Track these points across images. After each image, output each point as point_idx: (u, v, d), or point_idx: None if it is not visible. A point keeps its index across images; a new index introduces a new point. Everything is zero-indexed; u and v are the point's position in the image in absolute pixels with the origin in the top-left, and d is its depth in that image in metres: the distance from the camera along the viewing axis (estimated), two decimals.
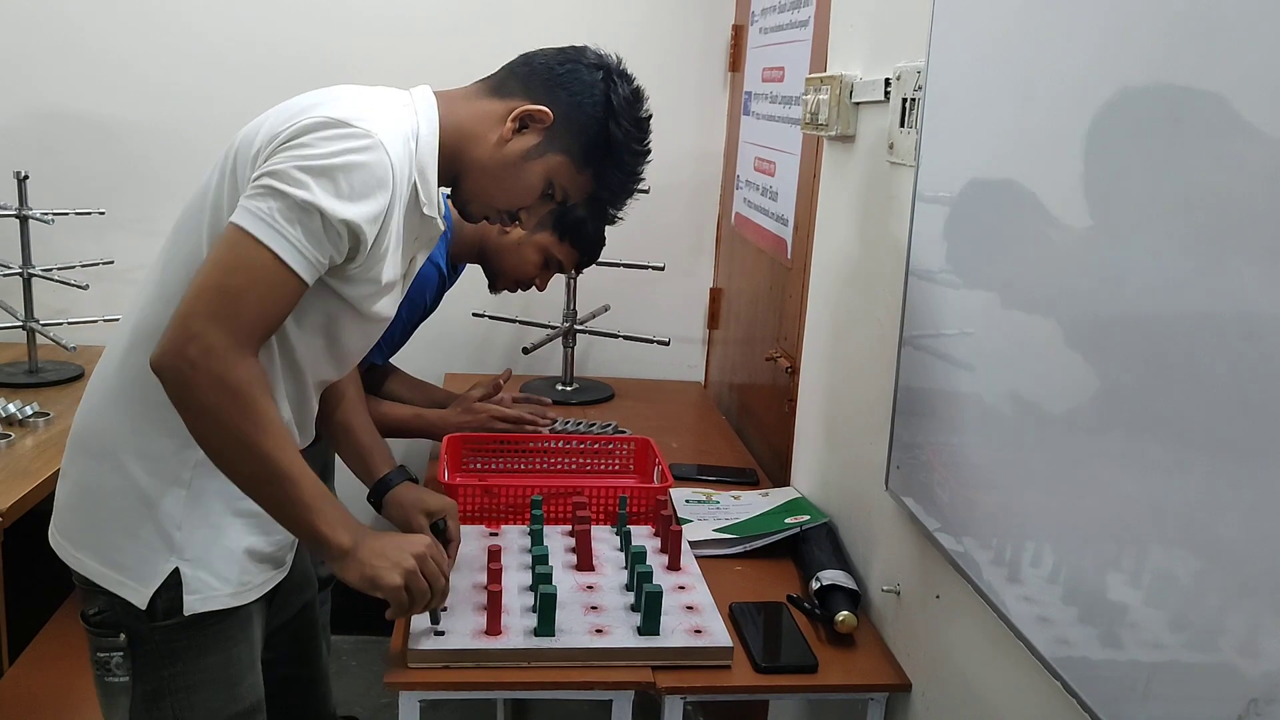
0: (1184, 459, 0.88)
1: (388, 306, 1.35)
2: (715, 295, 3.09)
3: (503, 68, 1.40)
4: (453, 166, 1.36)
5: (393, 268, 1.30)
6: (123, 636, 1.31)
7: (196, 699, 1.34)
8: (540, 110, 1.33)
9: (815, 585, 1.66)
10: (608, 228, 1.69)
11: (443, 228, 1.40)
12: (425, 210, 1.31)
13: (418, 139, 1.29)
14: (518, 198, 1.38)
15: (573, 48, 1.40)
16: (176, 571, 1.29)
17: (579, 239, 2.11)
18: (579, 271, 2.10)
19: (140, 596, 1.29)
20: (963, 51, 1.36)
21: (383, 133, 1.20)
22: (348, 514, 1.28)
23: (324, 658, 1.65)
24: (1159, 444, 0.92)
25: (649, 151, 1.42)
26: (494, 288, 2.18)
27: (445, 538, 1.57)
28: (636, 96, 1.39)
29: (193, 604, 1.30)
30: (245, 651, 1.38)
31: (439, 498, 1.59)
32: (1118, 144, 0.99)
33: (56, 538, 1.37)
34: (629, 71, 1.40)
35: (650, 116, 1.41)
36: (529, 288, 2.19)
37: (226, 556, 1.33)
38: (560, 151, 1.35)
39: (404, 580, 1.28)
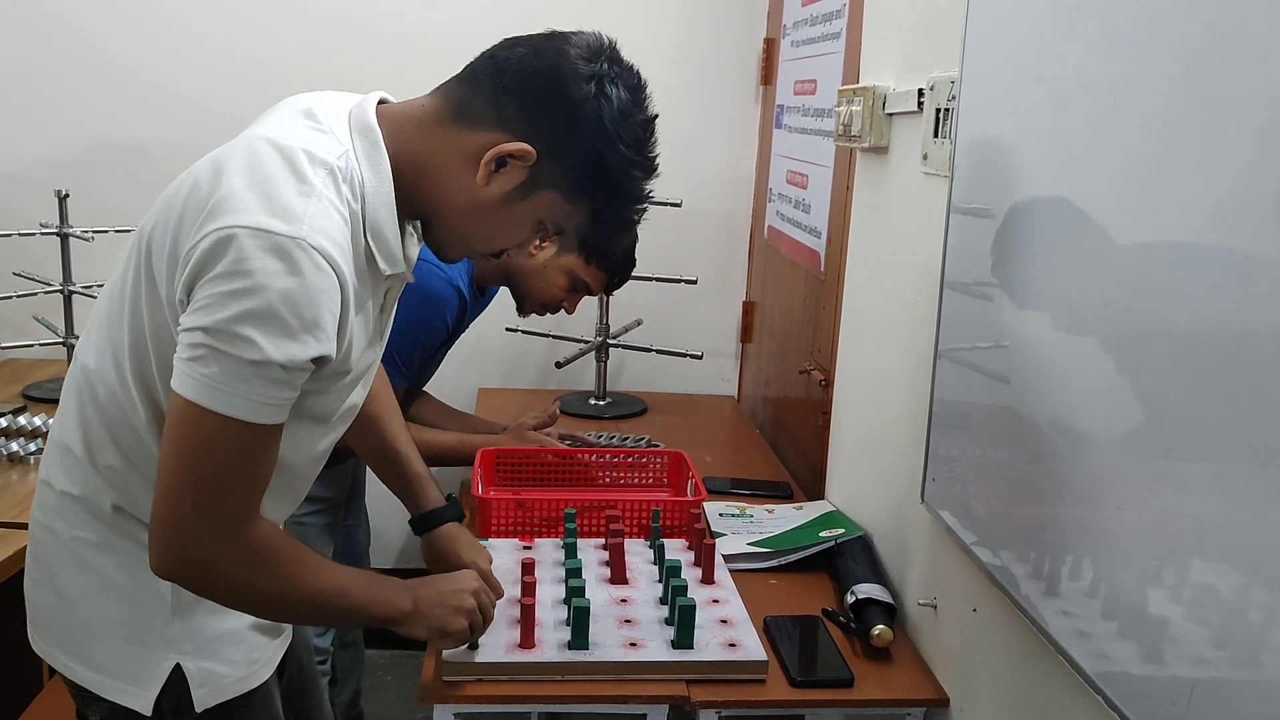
0: (1225, 472, 0.87)
1: (368, 358, 1.21)
2: (748, 308, 3.09)
3: (464, 75, 1.14)
4: (415, 206, 1.15)
5: (360, 342, 1.14)
6: None
7: None
8: (520, 149, 1.08)
9: (850, 599, 1.65)
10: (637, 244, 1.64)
11: (411, 279, 1.20)
12: (387, 272, 1.12)
13: (363, 196, 1.08)
14: (502, 241, 1.19)
15: (552, 39, 1.13)
16: (178, 667, 1.18)
17: (606, 262, 2.05)
18: (609, 293, 2.03)
19: (143, 702, 1.17)
20: (997, 60, 1.36)
21: (313, 225, 1.00)
22: (391, 581, 1.27)
23: (326, 705, 1.56)
24: (1199, 456, 0.90)
25: (655, 168, 1.16)
26: (522, 310, 2.13)
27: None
28: (635, 99, 1.13)
29: (203, 698, 1.19)
30: None
31: (475, 551, 1.52)
32: (1155, 152, 0.98)
33: (41, 644, 1.24)
34: (624, 59, 1.15)
35: (653, 118, 1.15)
36: (557, 310, 2.12)
37: (229, 638, 1.22)
38: (549, 187, 1.12)
39: (469, 622, 1.31)
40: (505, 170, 1.10)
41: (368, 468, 1.62)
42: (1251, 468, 0.83)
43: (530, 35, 1.14)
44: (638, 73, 1.15)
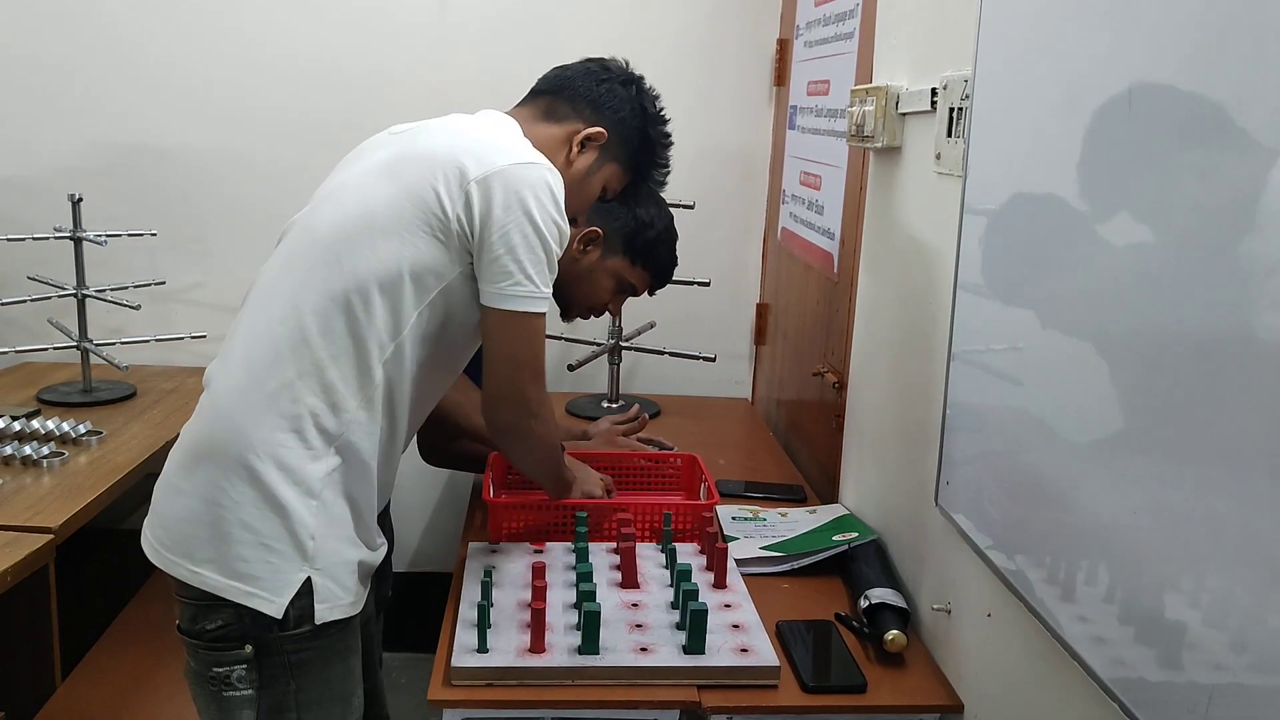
0: (1243, 476, 0.85)
1: None
2: (762, 310, 3.07)
3: (542, 91, 1.61)
4: None
5: None
6: (249, 648, 1.34)
7: (318, 711, 1.39)
8: (598, 131, 1.55)
9: (864, 603, 1.63)
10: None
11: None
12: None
13: None
14: (581, 206, 1.61)
15: (596, 63, 1.61)
16: (308, 581, 1.35)
17: (651, 262, 2.07)
18: (653, 292, 2.11)
19: (275, 607, 1.33)
20: (1010, 59, 1.34)
21: (540, 158, 1.43)
22: (568, 464, 1.81)
23: (380, 671, 1.71)
24: (1216, 460, 0.89)
25: (672, 141, 1.67)
26: (567, 316, 2.12)
27: None
28: (656, 97, 1.65)
29: (323, 613, 1.36)
30: (357, 663, 1.46)
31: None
32: (1169, 153, 0.97)
33: (167, 555, 1.37)
34: (638, 74, 1.64)
35: (662, 108, 1.66)
36: (602, 313, 2.16)
37: (347, 568, 1.40)
38: (612, 161, 1.59)
39: (602, 492, 1.88)
40: (586, 149, 1.57)
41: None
42: (1270, 471, 0.82)
43: (575, 64, 1.63)
44: (651, 84, 1.66)
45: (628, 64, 1.64)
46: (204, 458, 1.37)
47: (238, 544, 1.33)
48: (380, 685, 1.70)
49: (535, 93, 1.61)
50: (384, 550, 1.51)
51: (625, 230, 1.97)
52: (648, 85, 1.64)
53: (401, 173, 1.41)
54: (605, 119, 1.57)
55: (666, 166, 1.67)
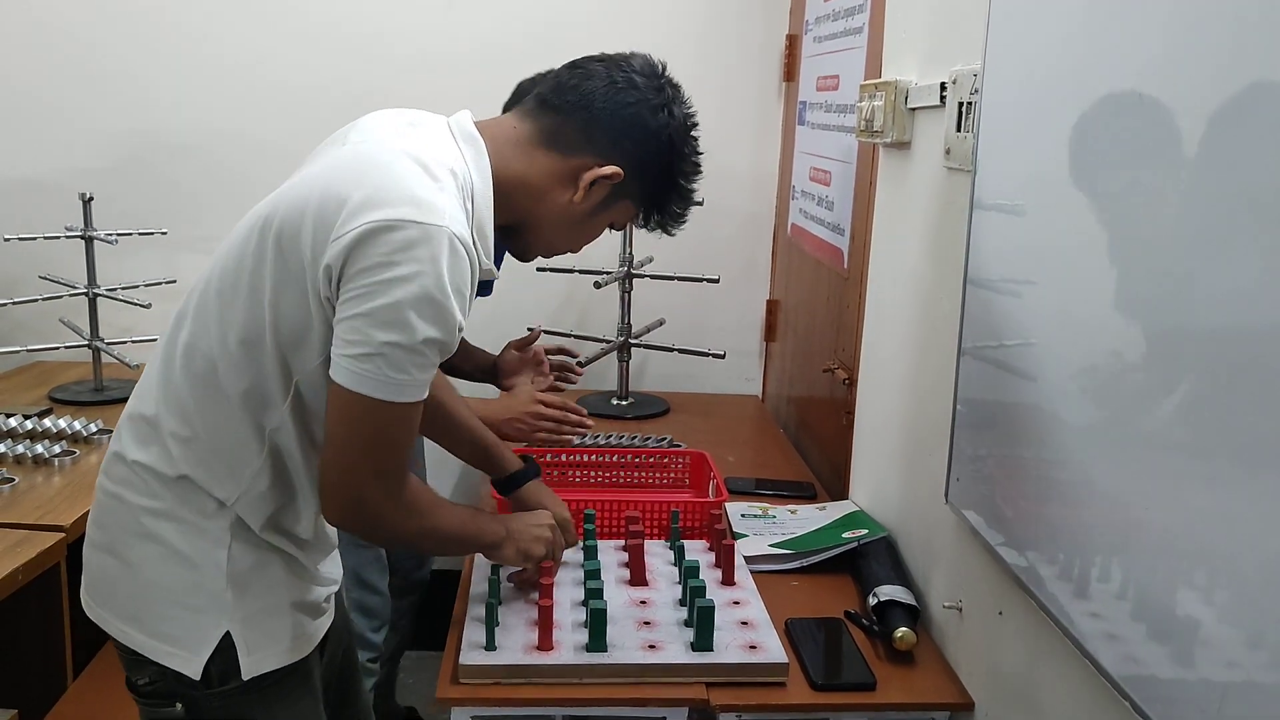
0: (1256, 471, 0.84)
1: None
2: (772, 307, 3.06)
3: (550, 105, 1.29)
4: (507, 215, 1.28)
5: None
6: (179, 706, 1.26)
7: None
8: (614, 173, 1.28)
9: (873, 601, 1.62)
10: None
11: (497, 275, 1.30)
12: (483, 267, 1.22)
13: (473, 197, 1.21)
14: (581, 242, 1.39)
15: (623, 77, 1.28)
16: (228, 635, 1.24)
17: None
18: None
19: (193, 667, 1.23)
20: (1020, 53, 1.33)
21: (451, 216, 1.13)
22: (487, 515, 1.51)
23: (365, 693, 1.61)
24: (1230, 456, 0.87)
25: (701, 168, 1.37)
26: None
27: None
28: (688, 113, 1.34)
29: (250, 666, 1.24)
30: (310, 707, 1.35)
31: (556, 503, 1.66)
32: (1181, 147, 0.95)
33: (95, 609, 1.30)
34: (675, 81, 1.33)
35: (697, 124, 1.36)
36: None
37: (278, 612, 1.28)
38: (626, 198, 1.33)
39: (547, 550, 1.54)
40: (595, 187, 1.29)
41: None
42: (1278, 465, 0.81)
43: (595, 63, 1.31)
44: (686, 97, 1.35)
45: (660, 68, 1.32)
46: (105, 517, 1.29)
47: (153, 602, 1.24)
48: (365, 706, 1.60)
49: (542, 103, 1.30)
50: (335, 581, 1.41)
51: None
52: (684, 104, 1.33)
53: (276, 220, 1.17)
54: (624, 157, 1.28)
55: (689, 203, 1.39)
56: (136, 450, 1.26)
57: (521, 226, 1.32)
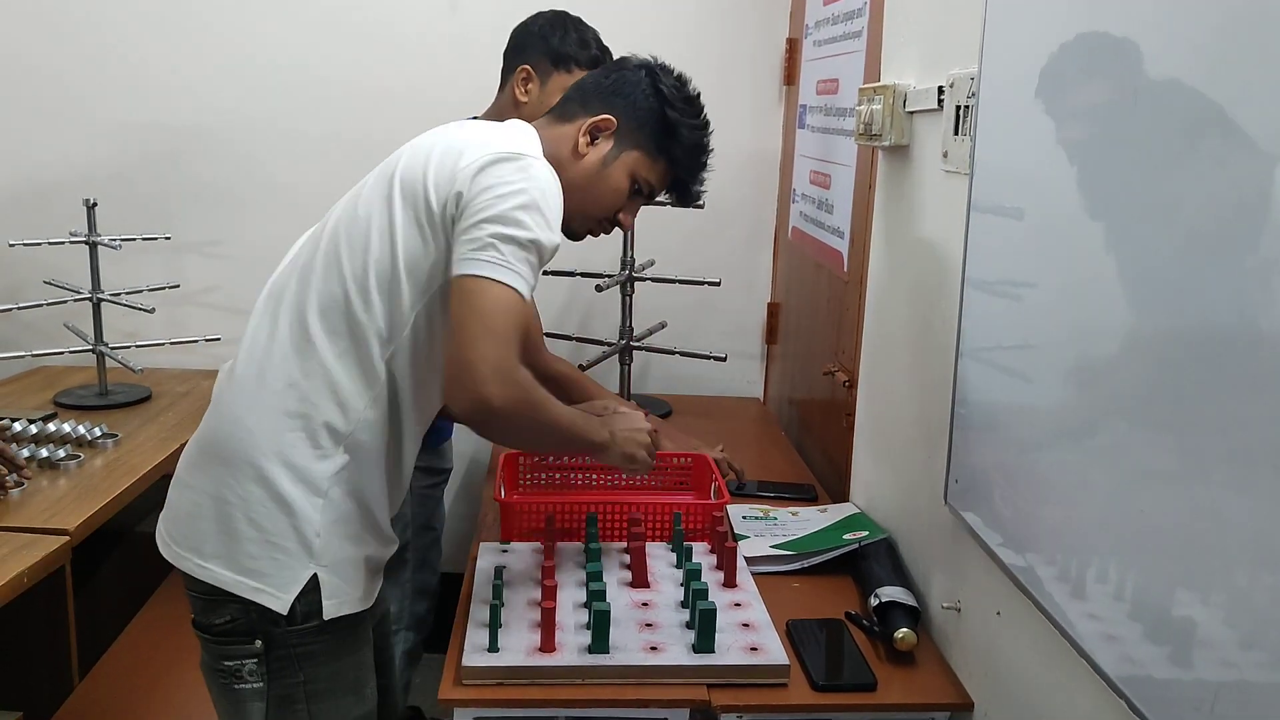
0: (1249, 473, 0.85)
1: None
2: (773, 310, 3.07)
3: (563, 99, 1.57)
4: None
5: None
6: (258, 643, 1.36)
7: (329, 703, 1.41)
8: (604, 119, 1.50)
9: (874, 602, 1.63)
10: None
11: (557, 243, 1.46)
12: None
13: None
14: (610, 200, 1.54)
15: (613, 61, 1.58)
16: (315, 578, 1.36)
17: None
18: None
19: (281, 603, 1.35)
20: (1016, 56, 1.34)
21: (542, 159, 1.39)
22: (592, 418, 1.58)
23: (395, 665, 1.71)
24: (1224, 457, 0.88)
25: (708, 123, 1.57)
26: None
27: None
28: (682, 81, 1.56)
29: (330, 609, 1.37)
30: (368, 655, 1.48)
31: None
32: (1175, 150, 0.96)
33: (176, 549, 1.40)
34: (669, 64, 1.57)
35: (699, 94, 1.56)
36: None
37: (355, 564, 1.41)
38: (632, 148, 1.51)
39: (648, 454, 1.65)
40: (598, 142, 1.51)
41: None
42: (1276, 468, 0.82)
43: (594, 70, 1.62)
44: (680, 72, 1.58)
45: (657, 59, 1.58)
46: (212, 456, 1.40)
47: (245, 540, 1.35)
48: (395, 678, 1.71)
49: (561, 101, 1.58)
50: (394, 546, 1.52)
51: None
52: (672, 71, 1.56)
53: (398, 173, 1.40)
54: (615, 107, 1.51)
55: (700, 148, 1.56)
56: (273, 383, 1.38)
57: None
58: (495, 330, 1.29)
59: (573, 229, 1.53)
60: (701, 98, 1.57)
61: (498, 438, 1.55)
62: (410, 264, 1.36)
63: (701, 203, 1.72)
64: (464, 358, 1.28)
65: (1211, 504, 0.90)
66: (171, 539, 1.42)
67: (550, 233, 1.34)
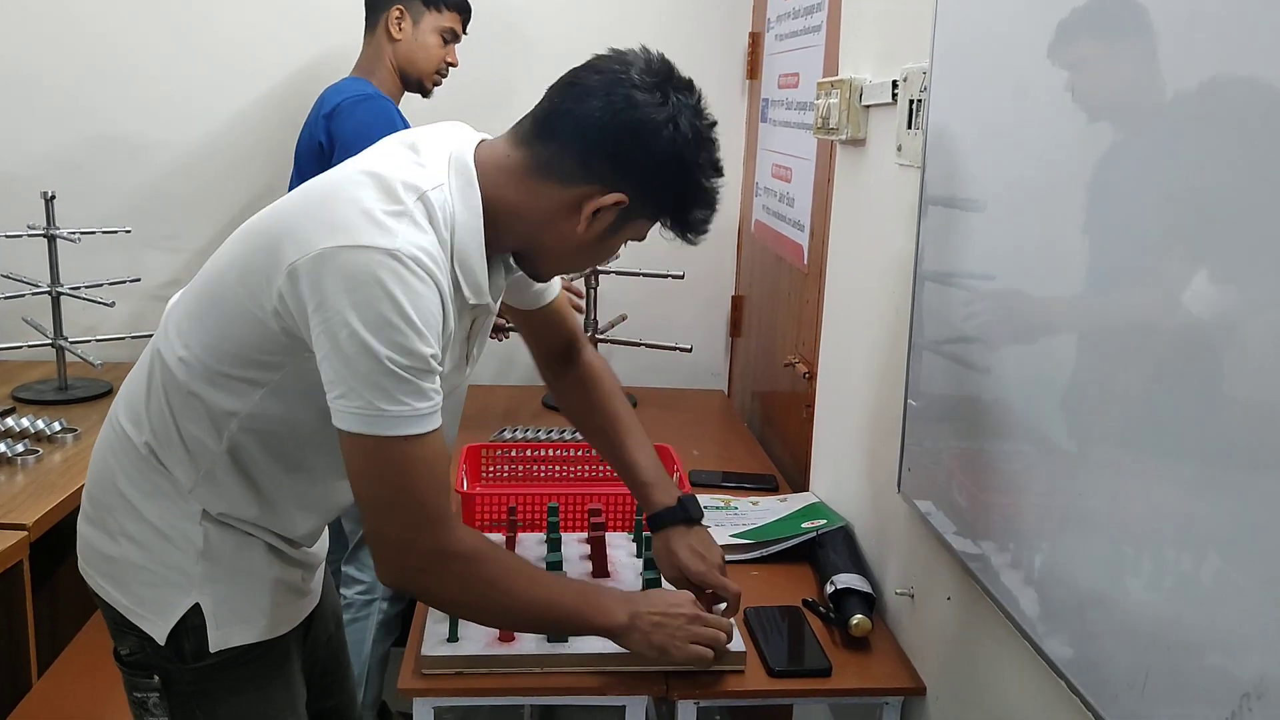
0: (1181, 460, 0.87)
1: (453, 380, 1.28)
2: (737, 303, 3.09)
3: (544, 130, 1.21)
4: (511, 243, 1.26)
5: (449, 364, 1.22)
6: (156, 678, 1.29)
7: None
8: (616, 199, 1.20)
9: (830, 589, 1.66)
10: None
11: (495, 311, 1.31)
12: (472, 302, 1.21)
13: (454, 227, 1.16)
14: (598, 260, 1.44)
15: (619, 87, 1.18)
16: (197, 607, 1.25)
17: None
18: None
19: (159, 631, 1.26)
20: (965, 51, 1.36)
21: (406, 239, 1.10)
22: (610, 592, 1.40)
23: (351, 681, 1.63)
24: (1172, 450, 0.90)
25: (722, 169, 1.27)
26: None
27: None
28: (702, 118, 1.22)
29: (218, 640, 1.26)
30: (281, 691, 1.35)
31: (695, 558, 1.48)
32: (1125, 140, 0.99)
33: (84, 566, 1.35)
34: (683, 78, 1.23)
35: (714, 123, 1.25)
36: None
37: (251, 590, 1.29)
38: (639, 217, 1.25)
39: (695, 647, 1.37)
40: (601, 214, 1.21)
41: None
42: (1203, 457, 0.84)
43: (592, 76, 1.20)
44: (691, 81, 1.24)
45: (666, 69, 1.21)
46: (95, 482, 1.33)
47: (128, 563, 1.28)
48: (351, 695, 1.61)
49: (537, 127, 1.22)
50: (316, 562, 1.42)
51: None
52: (694, 106, 1.21)
53: (246, 239, 1.22)
54: (629, 182, 1.20)
55: (711, 209, 1.28)
56: (124, 416, 1.30)
57: (529, 252, 1.29)
58: (397, 499, 1.14)
59: (541, 274, 1.36)
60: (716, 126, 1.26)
61: (455, 613, 1.40)
62: (243, 346, 1.19)
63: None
64: (376, 532, 1.16)
65: (1142, 490, 0.93)
66: (81, 554, 1.35)
67: (411, 347, 1.09)
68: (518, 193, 1.21)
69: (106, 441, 1.33)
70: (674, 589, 1.47)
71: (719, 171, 1.27)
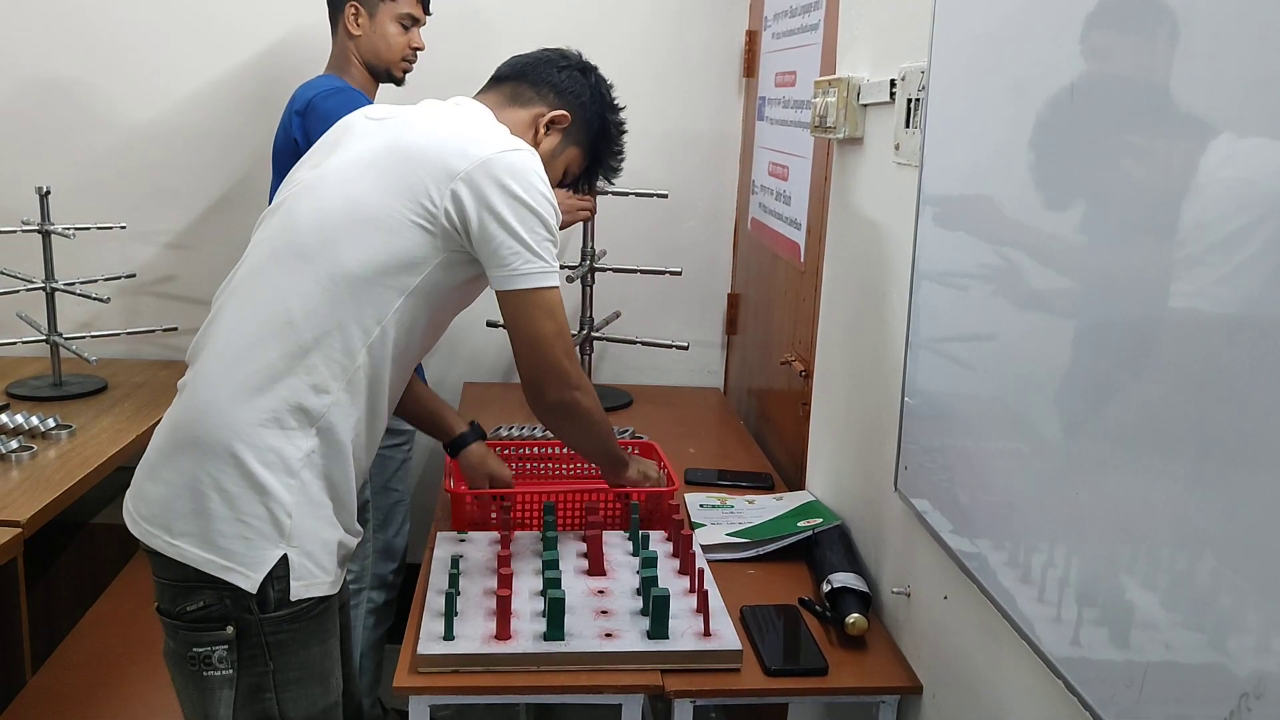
0: (1180, 458, 0.87)
1: None
2: (734, 300, 3.09)
3: (505, 77, 1.64)
4: None
5: None
6: (230, 629, 1.37)
7: (296, 692, 1.42)
8: (562, 115, 1.61)
9: (827, 588, 1.65)
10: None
11: None
12: None
13: None
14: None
15: (554, 52, 1.66)
16: (285, 559, 1.37)
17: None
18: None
19: (251, 583, 1.35)
20: (964, 50, 1.36)
21: (521, 144, 1.48)
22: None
23: (352, 658, 1.71)
24: (1170, 447, 0.90)
25: (627, 129, 1.74)
26: None
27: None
28: (610, 85, 1.70)
29: (299, 590, 1.38)
30: (334, 645, 1.49)
31: (501, 468, 1.88)
32: (1120, 138, 0.99)
33: (146, 526, 1.40)
34: (594, 63, 1.69)
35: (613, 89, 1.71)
36: None
37: (325, 547, 1.42)
38: (574, 144, 1.65)
39: (657, 473, 1.88)
40: (550, 132, 1.62)
41: None
42: (1196, 454, 0.84)
43: (531, 53, 1.67)
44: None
45: (581, 55, 1.69)
46: (185, 440, 1.40)
47: (216, 519, 1.36)
48: (354, 667, 1.72)
49: (497, 78, 1.65)
50: (360, 534, 1.53)
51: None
52: (600, 74, 1.69)
53: (389, 168, 1.43)
54: (568, 103, 1.62)
55: (622, 153, 1.73)
56: (239, 376, 1.39)
57: None
58: (563, 338, 1.49)
59: None
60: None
61: (571, 434, 1.67)
62: (403, 260, 1.41)
63: (666, 193, 1.94)
64: (548, 366, 1.49)
65: (1139, 488, 0.93)
66: (141, 517, 1.42)
67: (554, 204, 1.46)
68: (506, 122, 1.56)
69: (214, 396, 1.39)
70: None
71: (623, 122, 1.72)
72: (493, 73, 1.66)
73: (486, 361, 3.06)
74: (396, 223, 1.41)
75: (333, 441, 1.41)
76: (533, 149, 1.48)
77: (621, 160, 1.74)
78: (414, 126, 1.50)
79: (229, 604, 1.37)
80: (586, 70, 1.66)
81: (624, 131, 1.72)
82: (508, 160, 1.43)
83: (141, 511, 1.42)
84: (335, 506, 1.44)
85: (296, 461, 1.38)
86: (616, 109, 1.69)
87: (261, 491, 1.36)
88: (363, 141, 1.49)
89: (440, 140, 1.46)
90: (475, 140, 1.45)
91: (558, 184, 1.64)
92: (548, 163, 1.56)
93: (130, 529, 1.44)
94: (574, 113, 1.62)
